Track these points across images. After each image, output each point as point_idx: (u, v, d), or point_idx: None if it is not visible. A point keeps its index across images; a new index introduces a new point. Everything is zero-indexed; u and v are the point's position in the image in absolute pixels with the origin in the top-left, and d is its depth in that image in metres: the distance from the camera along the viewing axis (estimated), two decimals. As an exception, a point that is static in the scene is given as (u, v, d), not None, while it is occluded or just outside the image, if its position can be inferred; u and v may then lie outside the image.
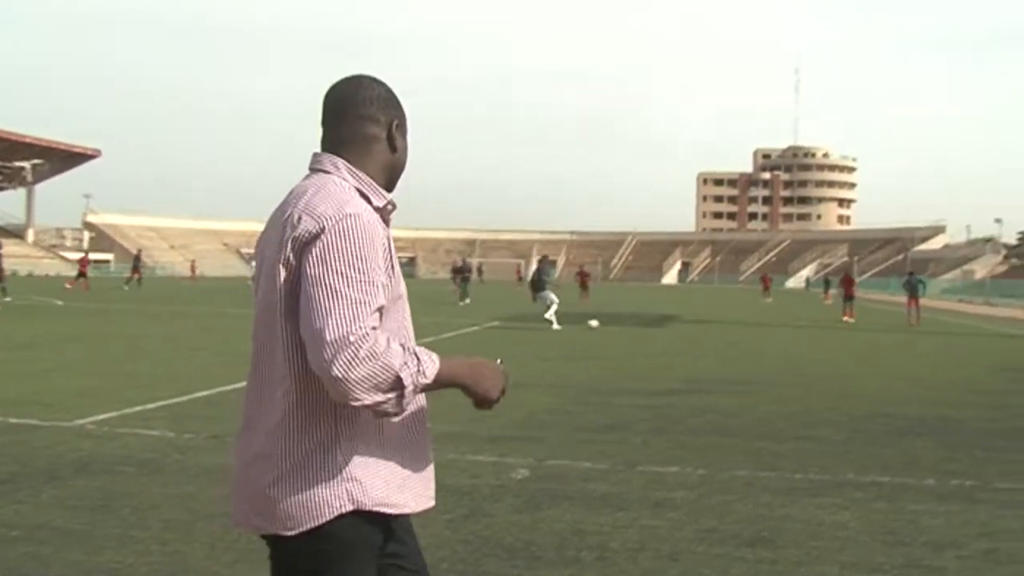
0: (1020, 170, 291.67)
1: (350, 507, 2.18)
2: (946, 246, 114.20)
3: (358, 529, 2.21)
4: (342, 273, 2.10)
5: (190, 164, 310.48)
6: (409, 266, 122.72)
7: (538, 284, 24.99)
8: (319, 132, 2.45)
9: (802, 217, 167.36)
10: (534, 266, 31.49)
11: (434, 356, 2.17)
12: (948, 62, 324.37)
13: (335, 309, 2.06)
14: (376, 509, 2.22)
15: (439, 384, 2.17)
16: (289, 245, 2.18)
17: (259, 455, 2.23)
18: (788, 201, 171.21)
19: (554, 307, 24.00)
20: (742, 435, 8.89)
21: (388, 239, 2.28)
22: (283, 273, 2.19)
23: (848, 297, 34.32)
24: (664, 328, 27.00)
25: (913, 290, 32.82)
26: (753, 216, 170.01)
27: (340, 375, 2.02)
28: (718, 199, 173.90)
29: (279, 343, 2.21)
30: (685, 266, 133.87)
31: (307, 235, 2.15)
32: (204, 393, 10.66)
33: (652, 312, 36.33)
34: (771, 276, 68.96)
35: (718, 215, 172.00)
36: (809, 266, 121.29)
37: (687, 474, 7.09)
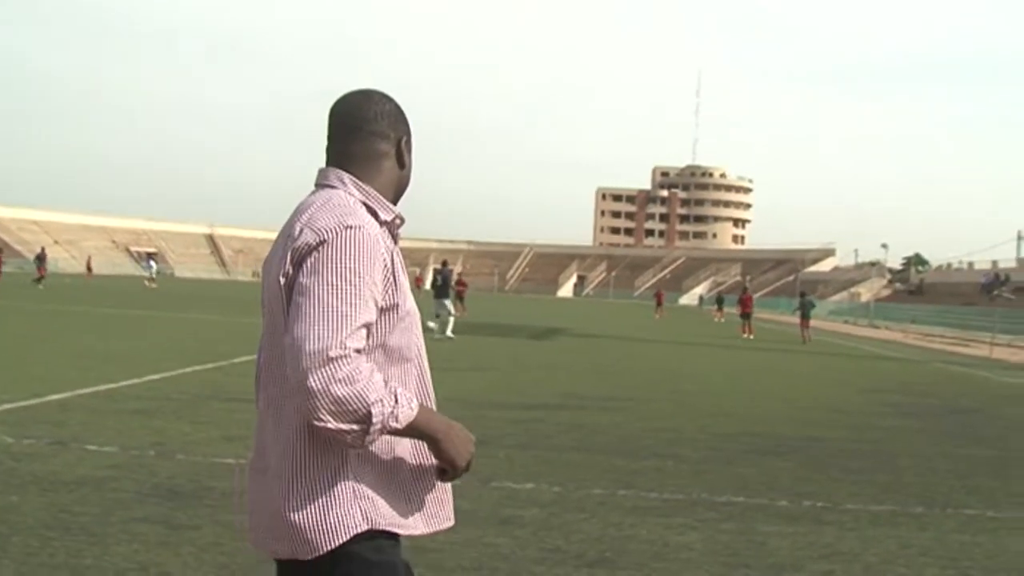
0: (906, 199, 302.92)
1: (364, 526, 2.13)
2: (835, 268, 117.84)
3: (377, 549, 2.16)
4: (333, 284, 2.05)
5: (76, 156, 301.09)
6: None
7: (441, 290, 24.53)
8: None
9: (698, 235, 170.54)
10: (432, 270, 31.08)
11: (414, 403, 2.12)
12: (838, 93, 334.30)
13: (320, 321, 2.01)
14: (389, 528, 2.18)
15: (411, 432, 2.13)
16: (288, 257, 2.14)
17: (272, 475, 2.18)
18: (685, 219, 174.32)
19: (451, 320, 24.04)
20: (606, 452, 8.85)
21: (394, 254, 2.23)
22: (285, 286, 2.15)
23: (744, 314, 35.33)
24: (551, 341, 27.07)
25: (805, 311, 34.42)
26: (650, 232, 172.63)
27: (315, 388, 1.96)
28: (616, 214, 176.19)
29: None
30: (581, 280, 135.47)
31: (306, 247, 2.12)
32: (57, 396, 10.17)
33: (542, 325, 36.46)
34: (665, 292, 69.97)
35: (615, 230, 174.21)
36: (703, 284, 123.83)
37: (542, 491, 7.00)
